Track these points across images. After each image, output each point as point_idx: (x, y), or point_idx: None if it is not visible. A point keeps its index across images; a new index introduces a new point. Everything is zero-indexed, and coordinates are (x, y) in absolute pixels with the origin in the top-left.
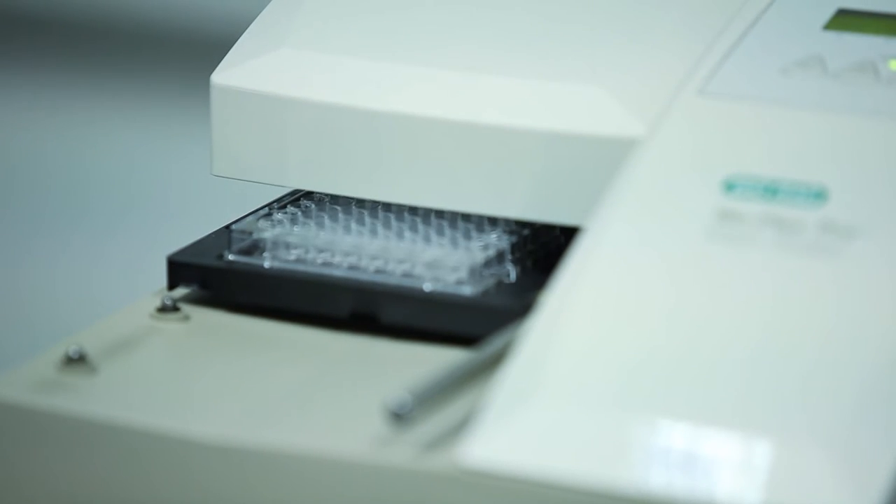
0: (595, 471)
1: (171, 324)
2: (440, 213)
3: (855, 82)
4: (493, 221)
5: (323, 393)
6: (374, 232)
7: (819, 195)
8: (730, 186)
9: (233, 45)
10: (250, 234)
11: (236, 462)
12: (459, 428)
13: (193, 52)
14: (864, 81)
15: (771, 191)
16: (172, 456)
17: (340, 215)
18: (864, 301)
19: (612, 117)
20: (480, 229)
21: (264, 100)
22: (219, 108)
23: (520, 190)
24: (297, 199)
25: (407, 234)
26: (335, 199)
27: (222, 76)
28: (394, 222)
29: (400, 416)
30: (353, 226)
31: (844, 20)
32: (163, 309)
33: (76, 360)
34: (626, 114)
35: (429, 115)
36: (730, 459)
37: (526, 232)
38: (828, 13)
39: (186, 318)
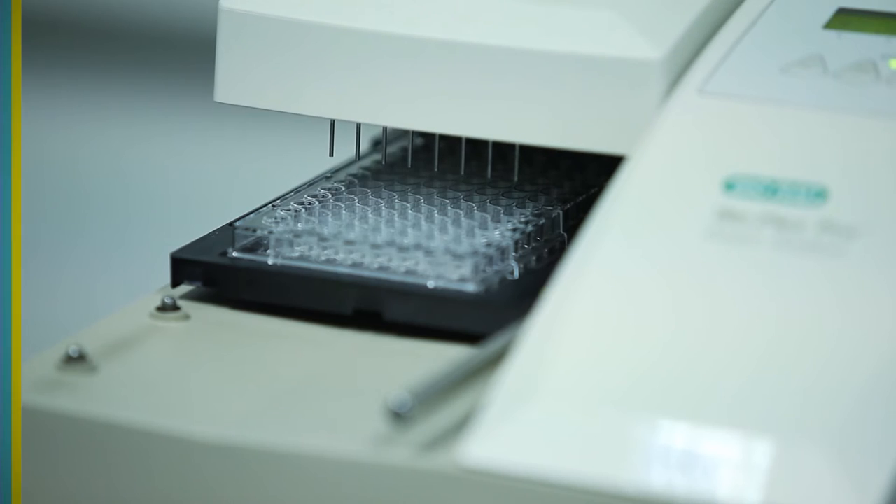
0: (595, 470)
1: (171, 322)
2: (444, 210)
3: (855, 82)
4: (497, 218)
5: (324, 391)
6: (377, 229)
7: (819, 195)
8: (730, 186)
9: None
10: (254, 231)
11: (236, 462)
12: (459, 427)
13: (196, 52)
14: (864, 81)
15: (771, 190)
16: (172, 455)
17: (344, 212)
18: (864, 301)
19: (627, 41)
20: (484, 226)
21: (272, 23)
22: (226, 34)
23: (540, 115)
24: (301, 196)
25: (410, 231)
26: (339, 195)
27: (230, 1)
28: (397, 219)
29: (400, 416)
30: (357, 223)
31: (845, 19)
32: (163, 308)
33: (76, 360)
34: (640, 37)
35: (441, 38)
36: (730, 459)
37: (529, 229)
38: (828, 12)
39: (186, 316)
